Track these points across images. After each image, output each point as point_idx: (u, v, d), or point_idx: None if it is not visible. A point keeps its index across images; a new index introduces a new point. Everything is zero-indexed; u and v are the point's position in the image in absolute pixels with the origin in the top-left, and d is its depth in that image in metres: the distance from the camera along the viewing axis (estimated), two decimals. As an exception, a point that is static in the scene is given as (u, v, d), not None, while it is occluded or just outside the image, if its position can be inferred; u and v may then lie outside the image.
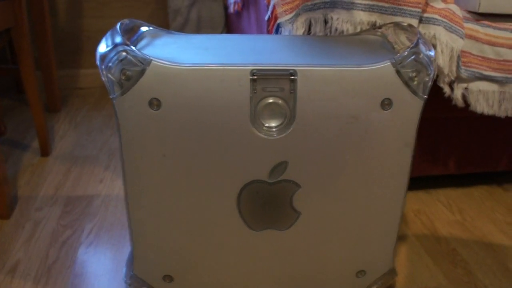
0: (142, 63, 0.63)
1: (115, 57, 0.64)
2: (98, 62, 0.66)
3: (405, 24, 0.79)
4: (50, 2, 1.86)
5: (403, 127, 0.68)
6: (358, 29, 0.92)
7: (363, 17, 0.92)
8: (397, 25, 0.81)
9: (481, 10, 0.99)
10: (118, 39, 0.66)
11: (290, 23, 0.90)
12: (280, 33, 0.92)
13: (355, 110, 0.65)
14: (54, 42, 1.93)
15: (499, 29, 0.99)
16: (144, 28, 0.80)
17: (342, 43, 0.78)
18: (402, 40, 0.76)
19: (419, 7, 0.92)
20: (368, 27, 0.92)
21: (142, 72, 0.63)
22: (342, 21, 0.92)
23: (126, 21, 0.75)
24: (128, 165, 0.68)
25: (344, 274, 0.78)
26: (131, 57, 0.63)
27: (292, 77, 0.64)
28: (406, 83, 0.66)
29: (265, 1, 0.99)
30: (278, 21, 0.90)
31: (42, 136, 1.33)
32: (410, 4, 0.91)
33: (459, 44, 0.95)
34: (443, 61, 0.94)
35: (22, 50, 1.23)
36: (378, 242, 0.76)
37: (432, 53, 0.69)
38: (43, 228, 1.02)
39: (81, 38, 1.94)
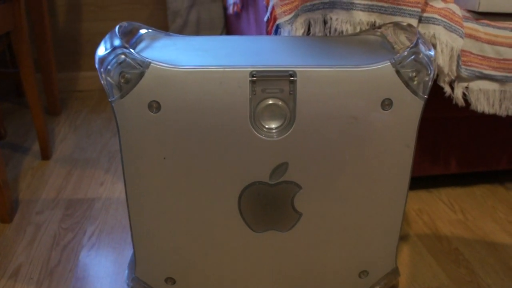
0: (141, 66, 0.63)
1: (114, 60, 0.64)
2: (97, 65, 0.66)
3: (405, 24, 0.79)
4: (49, 5, 1.86)
5: (403, 127, 0.68)
6: (358, 29, 0.92)
7: (362, 17, 0.92)
8: (396, 25, 0.81)
9: (480, 9, 0.99)
10: (116, 42, 0.66)
11: (289, 24, 0.90)
12: (280, 34, 0.92)
13: (355, 111, 0.65)
14: (54, 44, 1.92)
15: (499, 28, 0.99)
16: (143, 31, 0.80)
17: (341, 44, 0.78)
18: (402, 40, 0.76)
19: (418, 7, 0.91)
20: (367, 27, 0.92)
21: (141, 74, 0.63)
22: (341, 21, 0.92)
23: (124, 23, 0.75)
24: (129, 168, 0.68)
25: (346, 274, 0.77)
26: (130, 60, 0.63)
27: (292, 78, 0.63)
28: (406, 83, 0.65)
29: (264, 2, 0.99)
30: (277, 22, 0.90)
31: (43, 139, 1.32)
32: (409, 4, 0.91)
33: (459, 43, 0.94)
34: (443, 60, 0.94)
35: (21, 53, 1.23)
36: (380, 242, 0.76)
37: (432, 52, 0.68)
38: (45, 232, 1.02)
39: (80, 41, 1.94)
